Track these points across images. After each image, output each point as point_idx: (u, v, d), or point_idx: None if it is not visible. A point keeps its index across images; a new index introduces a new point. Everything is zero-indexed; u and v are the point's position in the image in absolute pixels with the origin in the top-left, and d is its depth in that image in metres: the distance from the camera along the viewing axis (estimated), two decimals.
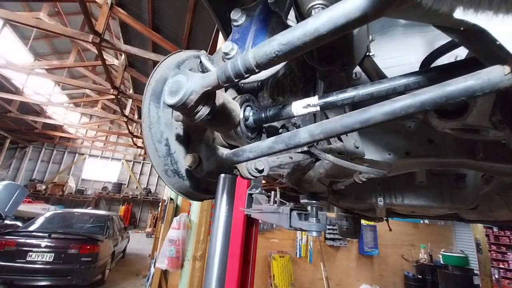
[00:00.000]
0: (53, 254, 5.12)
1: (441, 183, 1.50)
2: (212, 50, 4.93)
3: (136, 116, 11.75)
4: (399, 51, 1.22)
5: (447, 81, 0.35)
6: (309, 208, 1.47)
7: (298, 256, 6.38)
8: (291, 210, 1.75)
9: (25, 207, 10.98)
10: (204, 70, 0.61)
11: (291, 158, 0.77)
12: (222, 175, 0.49)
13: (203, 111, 0.43)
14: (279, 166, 0.77)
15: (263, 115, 0.64)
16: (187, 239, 2.93)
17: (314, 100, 0.53)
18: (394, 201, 1.53)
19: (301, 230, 1.76)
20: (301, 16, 0.51)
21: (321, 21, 0.34)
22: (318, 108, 0.53)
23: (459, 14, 0.33)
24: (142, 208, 18.51)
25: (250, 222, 3.19)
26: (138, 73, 8.09)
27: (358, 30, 0.63)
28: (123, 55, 7.59)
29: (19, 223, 7.65)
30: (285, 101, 0.82)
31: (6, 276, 4.92)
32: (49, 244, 5.19)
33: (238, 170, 0.67)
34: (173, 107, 0.41)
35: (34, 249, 5.07)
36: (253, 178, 0.67)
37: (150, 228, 14.71)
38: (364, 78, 1.12)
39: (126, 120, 10.51)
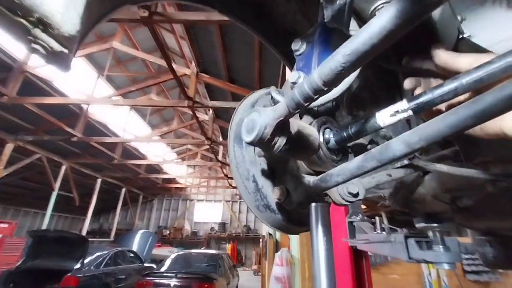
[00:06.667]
0: None
1: None
2: (282, 84, 5.19)
3: (227, 160, 13.08)
4: (506, 28, 0.96)
5: None
6: (430, 233, 1.19)
7: None
8: (406, 237, 1.46)
9: (156, 251, 13.32)
10: (276, 104, 0.63)
11: (390, 175, 0.66)
12: (313, 204, 0.46)
13: (280, 142, 0.44)
14: (377, 187, 0.67)
15: (344, 134, 0.60)
16: (292, 276, 2.82)
17: (402, 104, 0.46)
18: None
19: (425, 262, 1.42)
20: (365, 23, 0.47)
21: (386, 17, 0.30)
22: (410, 113, 0.45)
23: None
24: (245, 245, 19.40)
25: (357, 255, 2.82)
26: (224, 122, 9.22)
27: (440, 12, 0.53)
28: (210, 110, 8.87)
29: (153, 265, 9.20)
30: (367, 115, 0.74)
31: None
32: (176, 283, 5.91)
33: (330, 197, 0.63)
34: (252, 143, 0.43)
35: None
36: (348, 203, 0.61)
37: (256, 265, 15.05)
38: None
39: (220, 164, 11.81)
